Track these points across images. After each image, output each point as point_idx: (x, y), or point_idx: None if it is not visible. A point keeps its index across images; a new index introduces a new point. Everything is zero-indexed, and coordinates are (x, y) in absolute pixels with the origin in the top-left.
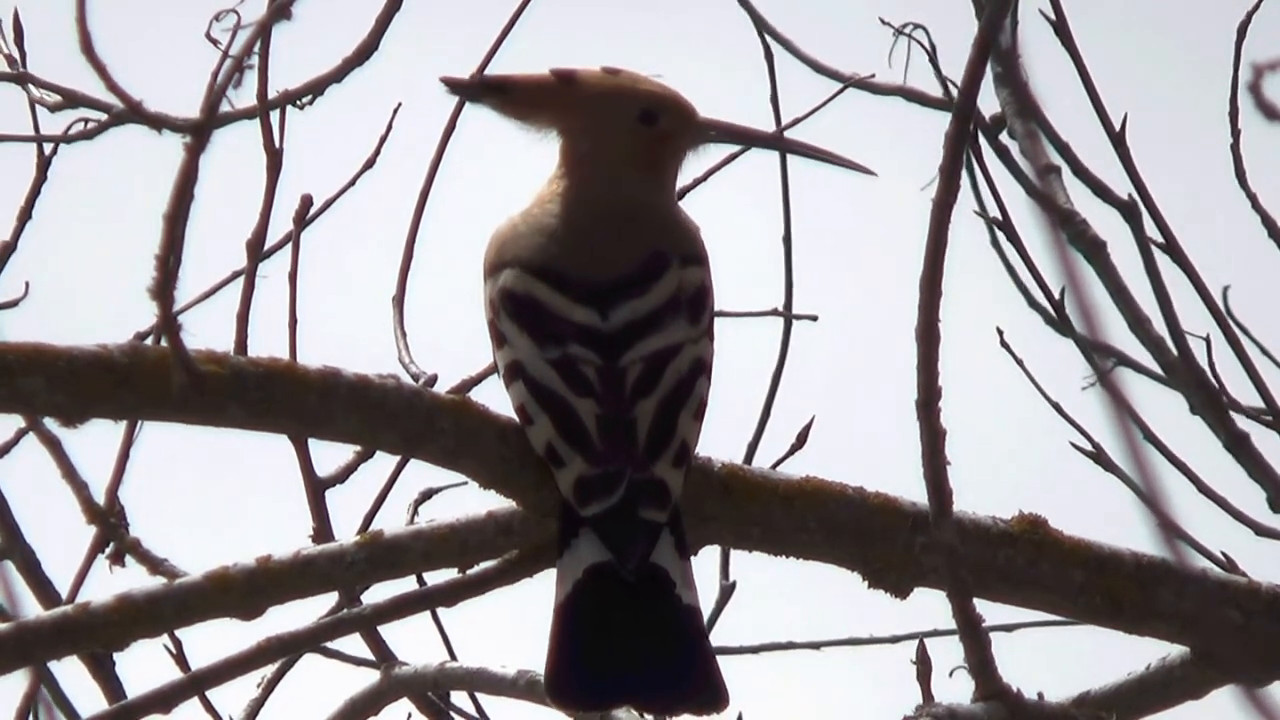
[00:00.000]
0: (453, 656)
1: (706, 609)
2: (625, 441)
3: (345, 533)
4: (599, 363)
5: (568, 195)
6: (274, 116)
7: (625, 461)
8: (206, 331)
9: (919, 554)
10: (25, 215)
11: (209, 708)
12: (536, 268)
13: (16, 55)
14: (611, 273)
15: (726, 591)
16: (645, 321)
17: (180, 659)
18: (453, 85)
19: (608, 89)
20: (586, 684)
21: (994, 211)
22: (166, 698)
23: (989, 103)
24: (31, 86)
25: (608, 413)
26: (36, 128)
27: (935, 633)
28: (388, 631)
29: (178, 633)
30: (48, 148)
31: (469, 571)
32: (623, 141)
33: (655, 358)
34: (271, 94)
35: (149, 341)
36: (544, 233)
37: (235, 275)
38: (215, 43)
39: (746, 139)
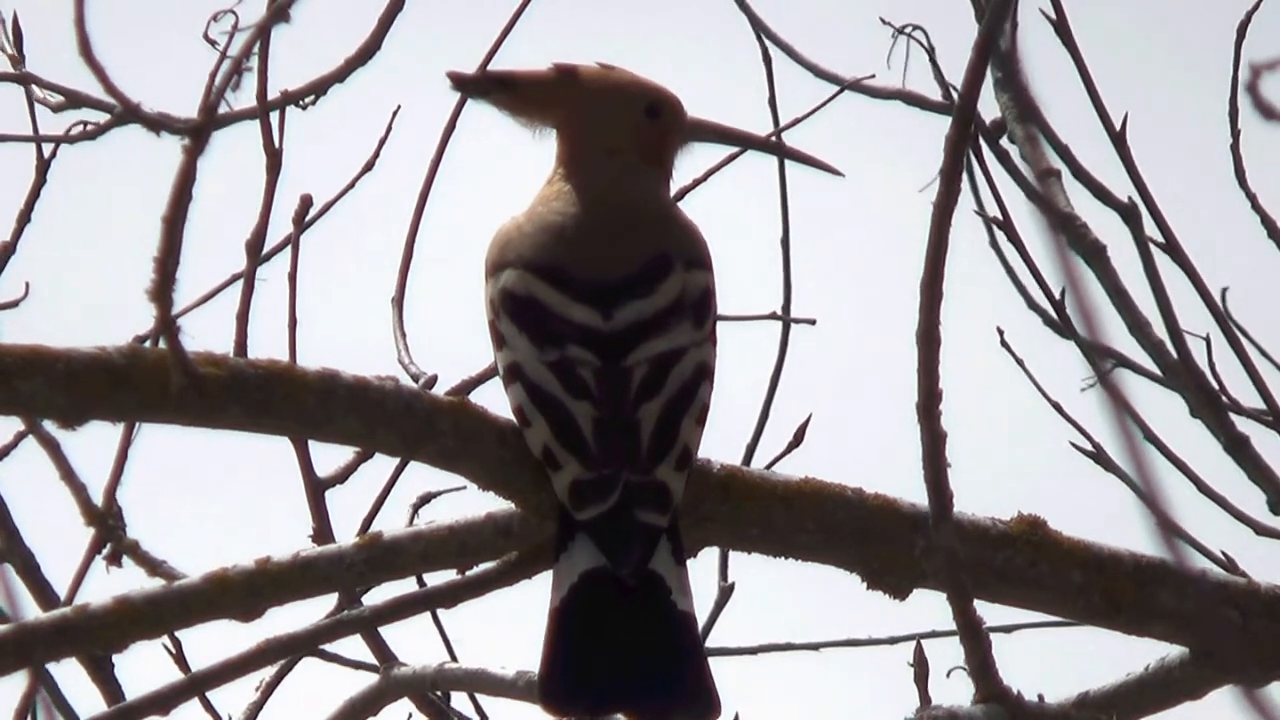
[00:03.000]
0: (453, 657)
1: (705, 610)
2: (624, 444)
3: (345, 533)
4: (597, 364)
5: (572, 193)
6: (274, 117)
7: (622, 465)
8: (206, 332)
9: (919, 556)
10: (25, 217)
11: (209, 709)
12: (538, 267)
13: (18, 55)
14: (616, 273)
15: (725, 593)
16: (650, 323)
17: (180, 660)
18: (457, 81)
19: (616, 82)
20: (579, 690)
21: (994, 212)
22: (165, 699)
23: (989, 106)
24: (34, 87)
25: (605, 415)
26: (35, 129)
27: (934, 634)
28: (387, 633)
29: (177, 634)
30: (47, 149)
31: (468, 573)
32: (631, 134)
33: (660, 360)
34: (272, 95)
35: (148, 343)
36: (548, 231)
37: (235, 277)
38: (213, 43)
39: (728, 138)
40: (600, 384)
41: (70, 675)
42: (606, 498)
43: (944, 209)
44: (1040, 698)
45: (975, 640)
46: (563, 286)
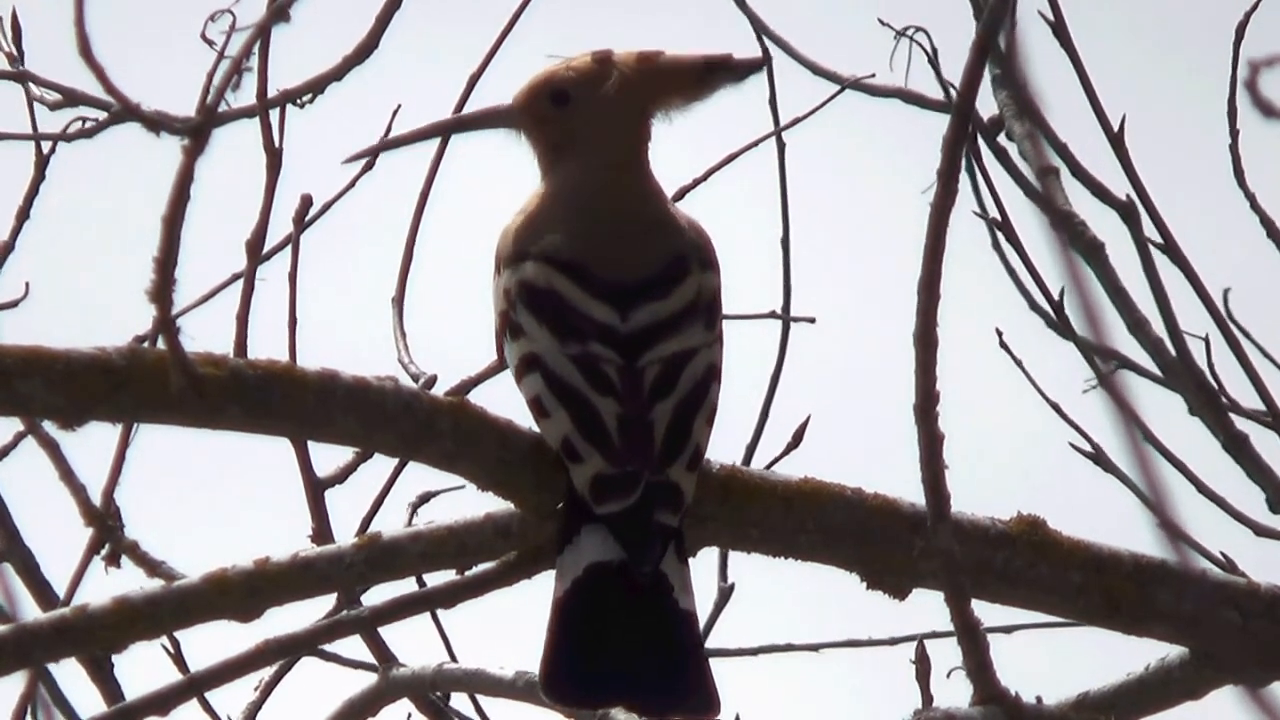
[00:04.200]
0: (452, 658)
1: (705, 611)
2: (643, 443)
3: (345, 533)
4: (620, 362)
5: (590, 191)
6: (274, 116)
7: (643, 463)
8: (206, 332)
9: (917, 557)
10: (24, 215)
11: (208, 709)
12: (560, 261)
13: (16, 53)
14: (635, 274)
15: (725, 593)
16: (665, 325)
17: (179, 661)
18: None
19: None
20: (580, 681)
21: (994, 213)
22: (165, 700)
23: (988, 105)
24: (31, 85)
25: (629, 413)
26: (35, 127)
27: (934, 634)
28: (386, 633)
29: (176, 635)
30: (46, 147)
31: (467, 573)
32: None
33: (673, 360)
34: (271, 93)
35: (148, 344)
36: (570, 228)
37: (235, 277)
38: (210, 43)
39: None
40: (624, 381)
41: (70, 675)
42: (629, 494)
43: (941, 210)
44: (1039, 699)
45: (973, 641)
46: (583, 283)
